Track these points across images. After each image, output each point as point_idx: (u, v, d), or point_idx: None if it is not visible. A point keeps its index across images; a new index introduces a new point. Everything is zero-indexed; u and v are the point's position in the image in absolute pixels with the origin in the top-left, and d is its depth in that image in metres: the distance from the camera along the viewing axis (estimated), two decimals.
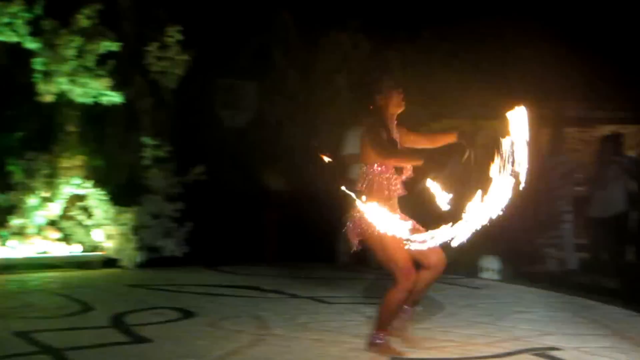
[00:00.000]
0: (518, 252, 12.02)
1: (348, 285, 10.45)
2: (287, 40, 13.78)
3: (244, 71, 13.75)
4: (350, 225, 6.60)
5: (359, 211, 6.48)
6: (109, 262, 11.89)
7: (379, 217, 6.37)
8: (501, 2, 14.88)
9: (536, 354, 6.81)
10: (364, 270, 11.70)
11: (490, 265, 11.30)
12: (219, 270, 11.71)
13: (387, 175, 6.59)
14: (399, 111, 6.80)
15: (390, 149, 6.57)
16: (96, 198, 11.85)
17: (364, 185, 6.61)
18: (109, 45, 11.88)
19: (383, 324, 6.62)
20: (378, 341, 6.58)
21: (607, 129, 15.81)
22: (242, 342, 6.95)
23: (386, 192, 6.57)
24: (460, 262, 12.00)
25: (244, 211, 12.75)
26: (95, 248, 11.91)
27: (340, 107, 13.35)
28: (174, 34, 12.38)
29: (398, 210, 6.64)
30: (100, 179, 11.97)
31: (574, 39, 14.56)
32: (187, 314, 8.21)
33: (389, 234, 6.36)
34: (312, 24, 13.66)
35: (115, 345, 6.83)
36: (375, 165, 6.60)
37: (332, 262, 12.05)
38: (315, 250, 12.40)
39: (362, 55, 13.68)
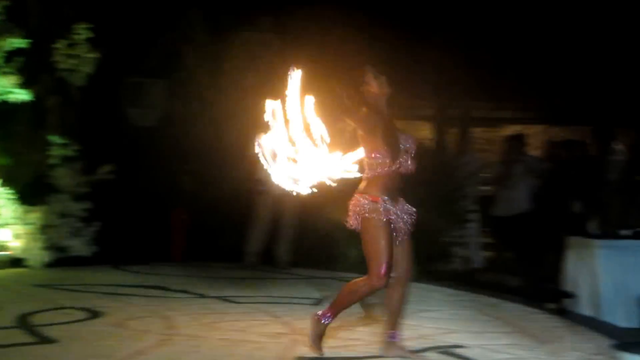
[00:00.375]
0: (424, 251, 12.13)
1: (255, 285, 10.47)
2: (196, 38, 13.71)
3: (153, 69, 13.66)
4: (353, 208, 6.51)
5: (362, 197, 6.44)
6: (15, 262, 11.70)
7: (379, 207, 6.39)
8: (412, 6, 15.06)
9: (441, 352, 6.90)
10: (272, 270, 11.74)
11: None
12: (126, 270, 11.62)
13: (388, 165, 6.46)
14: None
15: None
16: (2, 197, 11.68)
17: (369, 175, 6.50)
18: (16, 42, 11.72)
19: (336, 308, 6.55)
20: (324, 321, 6.52)
21: (511, 129, 16.10)
22: (148, 342, 6.92)
23: (388, 182, 6.49)
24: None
25: (153, 210, 12.68)
26: (1, 247, 11.73)
27: (249, 105, 13.32)
28: (82, 32, 12.24)
29: (399, 201, 6.59)
30: (6, 177, 11.79)
31: (479, 41, 14.78)
32: (93, 314, 8.13)
33: (386, 225, 6.38)
34: (222, 22, 13.64)
35: (20, 345, 6.74)
36: (373, 154, 6.45)
37: (239, 262, 12.03)
38: (223, 250, 12.38)
39: (272, 54, 13.68)
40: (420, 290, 10.35)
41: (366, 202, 6.39)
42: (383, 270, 6.31)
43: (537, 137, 16.25)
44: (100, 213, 12.24)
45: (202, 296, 9.49)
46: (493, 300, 9.74)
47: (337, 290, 9.92)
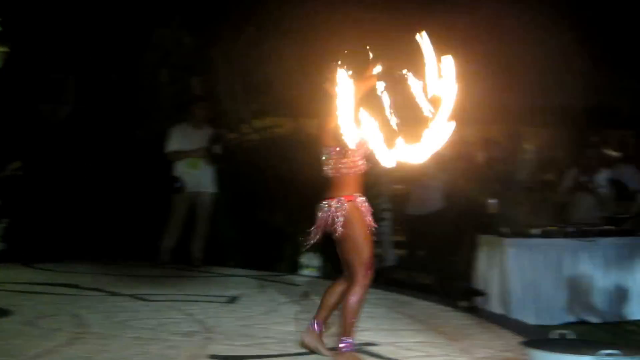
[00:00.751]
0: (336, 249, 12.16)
1: (169, 283, 10.38)
2: (108, 32, 13.54)
3: (65, 65, 13.45)
4: (323, 213, 6.46)
5: (334, 199, 6.39)
6: None
7: (356, 207, 6.37)
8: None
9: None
10: (185, 268, 11.66)
11: (311, 262, 11.39)
12: (36, 267, 11.42)
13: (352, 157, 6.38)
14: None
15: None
16: None
17: (337, 170, 6.43)
18: None
19: (349, 329, 6.43)
20: (346, 349, 6.40)
21: None
22: (58, 341, 6.80)
23: (352, 173, 6.43)
24: (281, 259, 12.18)
25: (64, 207, 12.49)
26: None
27: (162, 102, 13.25)
28: None
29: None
30: None
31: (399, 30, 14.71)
32: (2, 312, 7.96)
33: (362, 224, 6.37)
34: (135, 19, 13.50)
35: None
36: (337, 148, 6.35)
37: (153, 260, 11.93)
38: (136, 247, 12.26)
39: (185, 51, 13.59)
40: None
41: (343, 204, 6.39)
42: (368, 263, 6.39)
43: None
44: (9, 210, 12.00)
45: (114, 294, 9.37)
46: (405, 298, 9.79)
47: (251, 288, 10.02)
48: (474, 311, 8.99)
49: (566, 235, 10.01)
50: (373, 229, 6.53)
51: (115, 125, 13.20)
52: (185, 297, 9.30)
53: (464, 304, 9.06)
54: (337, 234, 6.41)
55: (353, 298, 6.36)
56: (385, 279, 11.18)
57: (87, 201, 12.57)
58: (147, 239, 12.03)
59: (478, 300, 9.26)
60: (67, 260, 11.84)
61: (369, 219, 6.50)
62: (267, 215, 12.46)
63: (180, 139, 11.86)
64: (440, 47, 6.09)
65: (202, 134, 11.91)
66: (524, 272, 9.59)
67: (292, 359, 6.60)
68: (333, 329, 6.71)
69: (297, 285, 10.58)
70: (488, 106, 14.67)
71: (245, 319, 8.09)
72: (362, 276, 6.34)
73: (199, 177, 11.86)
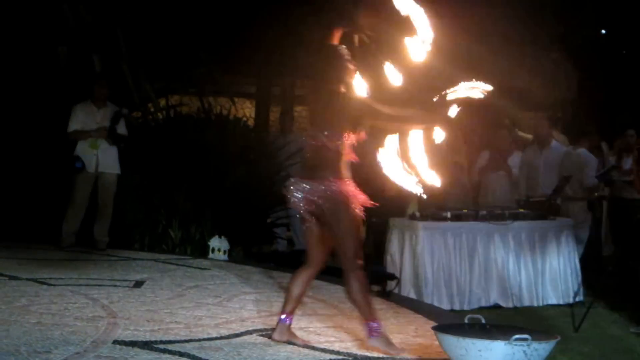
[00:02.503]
0: (246, 232, 12.05)
1: (72, 267, 10.11)
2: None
3: None
4: (320, 193, 6.28)
5: (333, 181, 6.25)
6: None
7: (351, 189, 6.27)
8: None
9: (263, 335, 6.82)
10: (89, 251, 11.40)
11: (219, 246, 11.26)
12: None
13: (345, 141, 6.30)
14: None
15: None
16: None
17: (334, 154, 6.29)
18: None
19: (372, 315, 6.40)
20: (379, 332, 6.37)
21: None
22: None
23: (345, 160, 6.33)
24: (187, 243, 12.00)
25: None
26: None
27: (61, 79, 12.91)
28: None
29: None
30: None
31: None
32: None
33: (356, 208, 6.28)
34: None
35: None
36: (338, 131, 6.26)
37: (55, 243, 11.63)
38: (38, 230, 11.94)
39: (85, 27, 13.26)
40: (242, 272, 10.27)
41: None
42: (358, 249, 6.40)
43: None
44: None
45: (14, 278, 9.10)
46: (315, 282, 9.60)
47: (157, 272, 9.83)
48: (386, 296, 8.93)
49: (478, 218, 10.00)
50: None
51: (13, 104, 12.80)
52: (89, 281, 9.09)
53: (376, 288, 8.98)
54: (335, 214, 6.29)
55: (358, 287, 6.40)
56: (296, 262, 11.05)
57: None
58: (48, 221, 11.72)
59: (390, 284, 9.18)
60: None
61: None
62: (175, 197, 12.25)
63: (82, 118, 11.59)
64: None
65: (105, 113, 11.64)
66: (436, 256, 9.56)
67: (199, 344, 6.46)
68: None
69: (205, 269, 10.42)
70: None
71: (151, 304, 7.94)
72: (355, 262, 6.38)
73: (100, 157, 11.56)
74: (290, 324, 6.62)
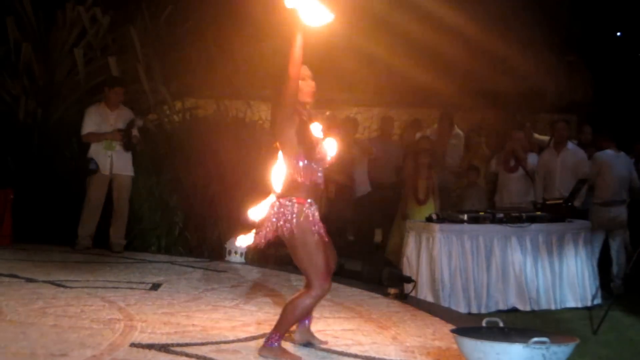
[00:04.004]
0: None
1: (88, 269, 10.11)
2: (20, 10, 13.17)
3: None
4: (271, 218, 6.19)
5: (283, 204, 6.15)
6: None
7: (306, 212, 6.14)
8: None
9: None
10: (105, 254, 11.41)
11: (236, 248, 11.24)
12: None
13: (312, 165, 6.21)
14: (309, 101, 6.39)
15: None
16: None
17: (290, 177, 6.21)
18: None
19: (282, 328, 6.26)
20: (274, 344, 6.20)
21: (347, 111, 16.06)
22: None
23: (309, 183, 6.21)
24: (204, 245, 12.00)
25: None
26: None
27: (79, 83, 12.94)
28: None
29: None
30: None
31: None
32: None
33: (314, 231, 6.12)
34: None
35: None
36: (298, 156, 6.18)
37: (71, 245, 11.63)
38: (55, 232, 11.95)
39: (101, 30, 13.28)
40: (260, 274, 10.26)
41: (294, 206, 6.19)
42: (324, 273, 6.17)
43: (374, 120, 16.35)
44: None
45: (31, 280, 9.09)
46: (333, 284, 9.63)
47: (174, 274, 9.82)
48: (404, 298, 8.90)
49: (495, 220, 9.96)
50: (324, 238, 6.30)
51: (30, 106, 12.84)
52: (106, 283, 9.09)
53: (393, 291, 8.96)
54: (286, 237, 6.17)
55: (305, 302, 6.23)
56: None
57: (0, 184, 12.17)
58: (65, 223, 11.72)
59: (407, 287, 9.16)
60: None
61: (321, 228, 6.25)
62: (191, 199, 12.24)
63: (95, 121, 11.58)
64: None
65: (118, 115, 11.66)
66: (453, 258, 9.53)
67: (216, 347, 6.46)
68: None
69: (222, 271, 10.41)
70: (419, 89, 14.69)
71: (168, 307, 7.93)
72: (320, 286, 6.17)
73: (114, 159, 11.56)
74: (309, 325, 6.62)
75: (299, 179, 6.18)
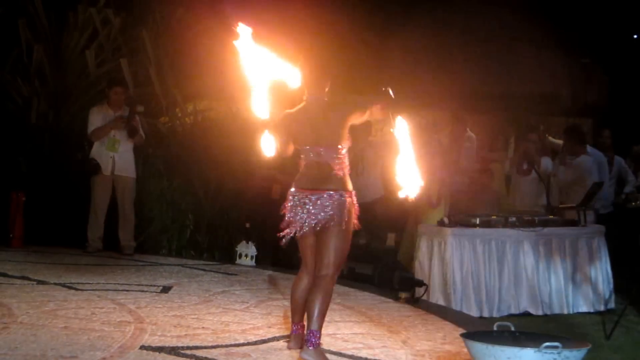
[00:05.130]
0: (275, 238, 11.99)
1: (99, 272, 10.12)
2: (32, 12, 13.18)
3: None
4: (334, 204, 6.26)
5: (347, 196, 6.29)
6: None
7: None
8: None
9: (288, 342, 6.76)
10: (116, 256, 11.40)
11: (247, 251, 11.23)
12: None
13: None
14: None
15: None
16: None
17: (346, 168, 6.37)
18: None
19: (322, 324, 6.24)
20: (315, 344, 6.15)
21: None
22: None
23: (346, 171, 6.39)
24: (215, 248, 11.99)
25: None
26: None
27: (90, 85, 12.95)
28: None
29: None
30: None
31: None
32: None
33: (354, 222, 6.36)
34: None
35: None
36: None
37: (83, 248, 11.63)
38: (66, 234, 11.95)
39: (113, 31, 13.29)
40: (269, 278, 10.24)
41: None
42: None
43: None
44: None
45: (42, 282, 9.11)
46: (344, 288, 9.64)
47: (185, 277, 9.82)
48: (415, 302, 8.87)
49: (507, 224, 9.91)
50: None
51: (41, 108, 12.85)
52: (116, 286, 9.09)
53: (404, 294, 8.93)
54: (343, 228, 6.27)
55: (330, 289, 6.28)
56: None
57: (11, 185, 12.17)
58: (76, 225, 11.72)
59: (418, 291, 9.12)
60: None
61: None
62: (202, 202, 12.24)
63: (99, 121, 11.55)
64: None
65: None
66: (465, 262, 9.48)
67: (226, 350, 6.46)
68: None
69: (232, 274, 10.39)
70: (431, 91, 14.64)
71: (178, 309, 7.93)
72: (335, 274, 6.32)
73: (117, 160, 11.52)
74: (302, 333, 6.49)
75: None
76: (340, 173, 6.32)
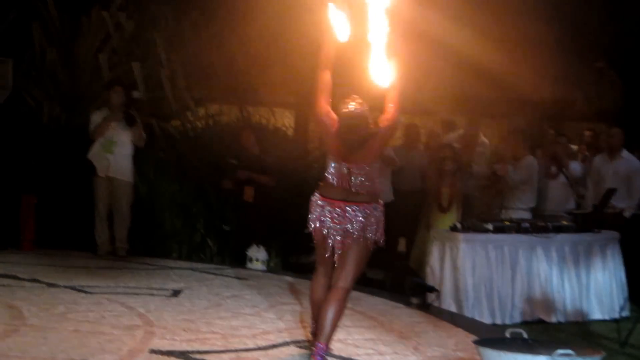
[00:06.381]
0: (286, 243, 11.99)
1: (109, 275, 10.10)
2: (46, 16, 13.20)
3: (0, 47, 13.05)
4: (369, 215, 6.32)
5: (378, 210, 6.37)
6: None
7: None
8: None
9: (300, 346, 6.78)
10: (126, 259, 11.38)
11: (258, 256, 11.19)
12: None
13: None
14: None
15: None
16: None
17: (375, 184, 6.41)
18: None
19: (331, 337, 6.26)
20: (321, 356, 6.15)
21: None
22: None
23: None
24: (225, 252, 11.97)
25: (0, 196, 12.12)
26: None
27: (102, 87, 12.95)
28: None
29: None
30: None
31: None
32: None
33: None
34: (73, 0, 13.20)
35: None
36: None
37: (93, 251, 11.62)
38: (76, 237, 11.94)
39: (125, 34, 13.30)
40: (281, 283, 10.21)
41: None
42: None
43: (399, 127, 16.24)
44: None
45: (53, 285, 9.10)
46: (355, 293, 9.54)
47: (195, 281, 9.79)
48: (426, 308, 8.82)
49: (520, 230, 9.86)
50: None
51: (54, 111, 12.86)
52: (126, 289, 9.07)
53: (415, 300, 8.88)
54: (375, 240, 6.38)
55: (343, 302, 6.28)
56: None
57: (22, 188, 12.16)
58: (87, 228, 11.70)
59: (430, 297, 9.07)
60: (4, 251, 11.45)
61: None
62: (213, 206, 12.22)
63: (100, 119, 11.50)
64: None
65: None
66: (477, 268, 9.44)
67: (236, 354, 6.45)
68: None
69: (243, 278, 10.37)
70: (444, 96, 14.62)
71: (188, 313, 7.91)
72: (351, 288, 6.34)
73: (112, 162, 11.46)
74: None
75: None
76: (369, 184, 6.36)
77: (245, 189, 11.61)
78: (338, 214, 6.28)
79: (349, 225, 6.27)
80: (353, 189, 6.30)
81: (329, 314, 6.15)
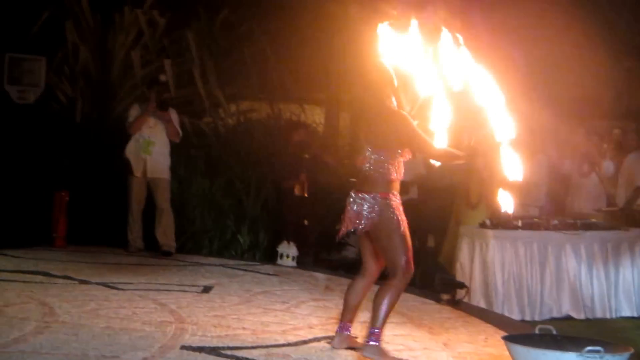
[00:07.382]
0: (317, 239, 12.01)
1: (141, 272, 10.15)
2: (79, 14, 13.29)
3: (33, 45, 13.14)
4: (375, 208, 6.36)
5: (392, 197, 6.37)
6: None
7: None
8: None
9: (330, 342, 6.75)
10: (157, 256, 11.44)
11: (288, 252, 11.22)
12: (4, 254, 11.10)
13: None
14: None
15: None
16: None
17: (394, 171, 6.42)
18: None
19: (384, 324, 6.37)
20: (377, 343, 6.31)
21: None
22: (26, 330, 6.58)
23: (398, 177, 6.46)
24: (256, 249, 12.00)
25: (32, 192, 12.20)
26: None
27: (135, 85, 13.03)
28: None
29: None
30: None
31: None
32: None
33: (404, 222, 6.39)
34: None
35: None
36: (399, 150, 6.39)
37: (125, 248, 11.69)
38: (108, 234, 12.01)
39: (158, 32, 13.37)
40: (311, 279, 10.23)
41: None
42: (411, 261, 6.44)
43: None
44: None
45: (85, 282, 9.14)
46: None
47: (225, 277, 9.83)
48: (456, 304, 8.82)
49: (550, 227, 9.84)
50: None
51: (85, 107, 12.95)
52: (157, 286, 9.11)
53: (445, 296, 8.88)
54: (394, 229, 6.35)
55: (398, 294, 6.42)
56: None
57: (54, 185, 12.24)
58: (119, 225, 11.77)
59: (460, 293, 9.07)
60: (35, 247, 11.53)
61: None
62: (244, 203, 12.25)
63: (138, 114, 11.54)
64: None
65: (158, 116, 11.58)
66: (506, 265, 9.44)
67: (266, 350, 6.44)
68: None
69: (273, 275, 10.39)
70: None
71: (219, 309, 7.93)
72: (408, 273, 6.40)
73: (149, 163, 11.48)
74: (348, 334, 6.62)
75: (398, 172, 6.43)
76: (377, 174, 6.40)
77: (295, 183, 11.62)
78: (355, 205, 6.46)
79: (364, 215, 6.40)
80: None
81: (382, 301, 6.35)
